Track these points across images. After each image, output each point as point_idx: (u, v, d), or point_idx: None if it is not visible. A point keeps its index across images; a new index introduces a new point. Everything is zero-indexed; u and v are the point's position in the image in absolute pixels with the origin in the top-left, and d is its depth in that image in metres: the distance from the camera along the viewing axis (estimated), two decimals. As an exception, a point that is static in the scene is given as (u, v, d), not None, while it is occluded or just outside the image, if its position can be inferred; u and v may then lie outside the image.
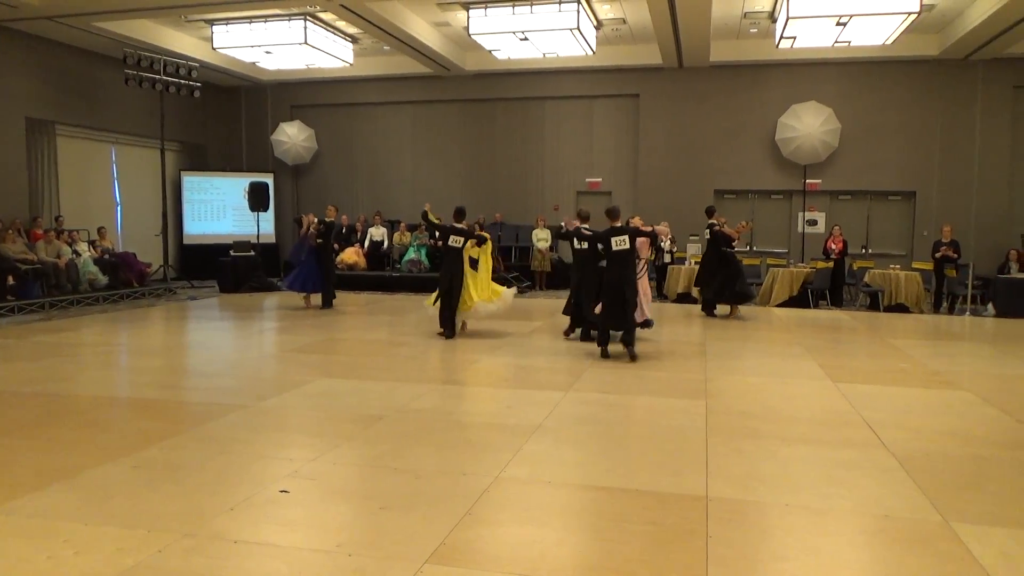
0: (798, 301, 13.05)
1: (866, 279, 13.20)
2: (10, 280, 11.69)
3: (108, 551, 3.19)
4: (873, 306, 12.95)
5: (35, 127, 13.84)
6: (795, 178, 15.86)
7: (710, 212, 11.29)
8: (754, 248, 16.18)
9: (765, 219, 16.37)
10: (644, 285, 8.64)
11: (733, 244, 11.16)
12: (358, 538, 3.36)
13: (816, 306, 13.11)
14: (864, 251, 15.50)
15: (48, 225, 13.32)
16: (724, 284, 11.10)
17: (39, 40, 13.69)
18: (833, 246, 13.52)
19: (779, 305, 13.03)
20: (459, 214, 9.24)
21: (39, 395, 6.11)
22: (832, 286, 13.41)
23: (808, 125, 15.18)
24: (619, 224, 7.96)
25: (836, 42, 12.91)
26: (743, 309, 11.73)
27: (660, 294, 14.16)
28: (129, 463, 4.36)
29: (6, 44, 13.08)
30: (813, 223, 15.86)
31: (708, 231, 11.27)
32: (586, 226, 8.89)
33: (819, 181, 15.76)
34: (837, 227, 13.93)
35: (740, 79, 15.88)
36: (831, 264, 13.34)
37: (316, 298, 11.86)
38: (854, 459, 4.57)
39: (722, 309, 11.47)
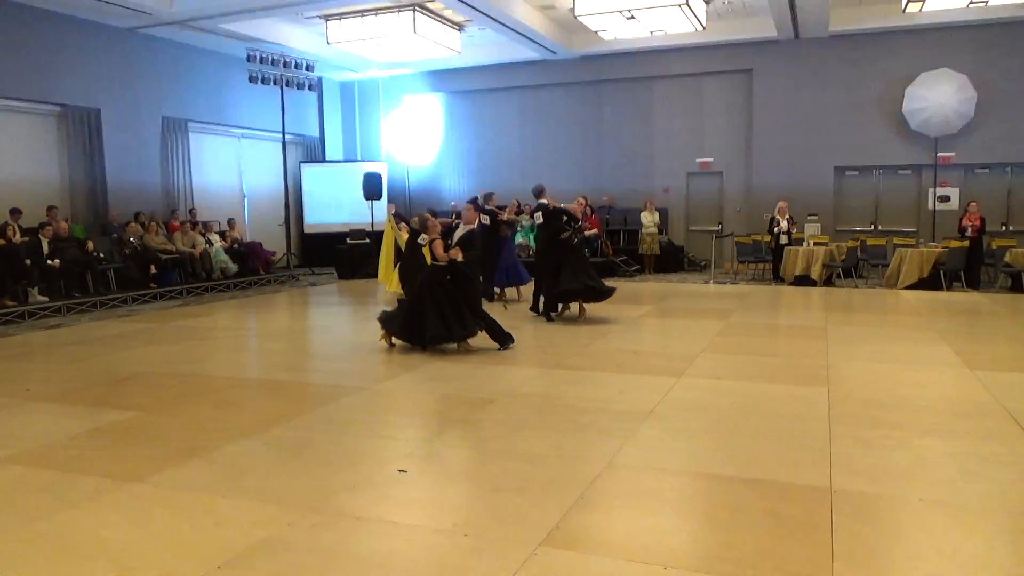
0: (929, 283, 12.24)
1: (1007, 259, 12.16)
2: (153, 269, 12.72)
3: (244, 523, 3.40)
4: (1015, 288, 11.95)
5: (170, 125, 14.83)
6: (925, 152, 14.82)
7: (539, 192, 9.44)
8: (879, 227, 15.28)
9: (891, 196, 15.40)
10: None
11: (577, 226, 9.17)
12: (473, 519, 3.44)
13: (950, 288, 12.25)
14: (1004, 228, 14.32)
15: (183, 217, 14.29)
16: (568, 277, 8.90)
17: (172, 44, 14.61)
18: (969, 223, 12.56)
19: (908, 287, 12.28)
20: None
21: (179, 375, 6.58)
22: (968, 267, 12.43)
23: (940, 94, 14.12)
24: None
25: (971, 2, 11.92)
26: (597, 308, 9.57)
27: (776, 276, 13.66)
28: (260, 441, 4.63)
29: (143, 49, 14.06)
30: (945, 199, 14.79)
31: (540, 212, 9.30)
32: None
33: (952, 154, 14.66)
34: (973, 203, 12.90)
35: (862, 48, 14.95)
36: (967, 243, 12.40)
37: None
38: (996, 453, 4.26)
39: (574, 307, 9.39)
